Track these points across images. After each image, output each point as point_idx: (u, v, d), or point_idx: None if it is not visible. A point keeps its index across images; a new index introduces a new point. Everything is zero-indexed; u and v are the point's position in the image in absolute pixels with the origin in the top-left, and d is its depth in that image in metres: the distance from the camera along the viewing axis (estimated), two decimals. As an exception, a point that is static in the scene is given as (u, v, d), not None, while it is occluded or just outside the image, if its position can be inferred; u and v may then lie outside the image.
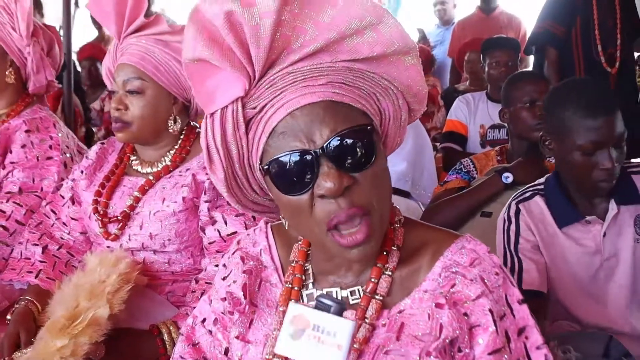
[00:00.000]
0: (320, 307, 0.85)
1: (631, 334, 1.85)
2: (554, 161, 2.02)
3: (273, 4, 0.93)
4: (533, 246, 1.86)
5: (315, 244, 1.07)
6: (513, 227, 1.88)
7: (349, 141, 0.96)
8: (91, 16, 6.48)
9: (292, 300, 1.08)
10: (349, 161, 0.96)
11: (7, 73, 2.29)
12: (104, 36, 6.49)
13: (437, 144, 3.93)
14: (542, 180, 1.95)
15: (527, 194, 1.93)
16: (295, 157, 0.96)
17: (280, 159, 0.97)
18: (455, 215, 2.40)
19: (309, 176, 0.96)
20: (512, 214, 1.90)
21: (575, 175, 1.83)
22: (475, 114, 3.71)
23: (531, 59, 4.35)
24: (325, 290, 1.08)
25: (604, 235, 1.84)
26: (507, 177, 2.36)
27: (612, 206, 1.83)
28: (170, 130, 1.87)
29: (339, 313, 0.84)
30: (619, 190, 1.84)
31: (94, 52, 5.35)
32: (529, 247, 1.85)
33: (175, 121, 1.86)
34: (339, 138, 0.96)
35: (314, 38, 0.97)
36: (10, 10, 2.24)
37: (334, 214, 0.95)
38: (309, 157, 0.95)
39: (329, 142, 0.95)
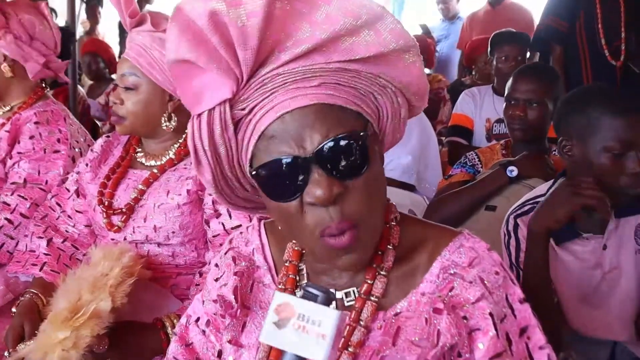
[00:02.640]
0: (307, 296, 0.83)
1: (634, 345, 1.83)
2: (557, 154, 1.97)
3: (260, 1, 0.87)
4: None
5: (306, 249, 1.04)
6: (513, 241, 1.84)
7: (341, 147, 0.92)
8: (86, 10, 6.50)
9: (277, 289, 1.07)
10: (340, 168, 0.92)
11: (1, 68, 2.29)
12: (94, 30, 6.50)
13: (443, 138, 3.91)
14: (543, 189, 1.89)
15: (526, 208, 1.87)
16: (284, 163, 0.92)
17: (268, 164, 0.93)
18: (459, 208, 2.39)
19: (298, 183, 0.92)
20: (510, 228, 1.86)
21: (600, 182, 1.71)
22: (481, 107, 3.69)
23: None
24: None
25: (605, 248, 1.79)
26: (511, 171, 2.34)
27: (612, 219, 1.78)
28: (164, 127, 1.86)
29: (326, 303, 0.82)
30: (619, 202, 1.77)
31: (95, 47, 5.35)
32: None
33: (170, 118, 1.85)
34: (330, 144, 0.91)
35: (306, 38, 0.92)
36: None
37: (326, 223, 0.92)
38: (298, 164, 0.91)
39: (320, 148, 0.91)
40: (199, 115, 0.95)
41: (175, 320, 1.68)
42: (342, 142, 0.92)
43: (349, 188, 0.92)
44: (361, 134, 0.95)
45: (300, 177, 0.92)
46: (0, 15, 2.24)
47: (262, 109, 0.94)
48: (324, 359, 0.80)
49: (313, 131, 0.91)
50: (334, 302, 1.02)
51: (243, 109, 0.95)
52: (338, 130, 0.92)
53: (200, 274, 1.79)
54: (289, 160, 0.92)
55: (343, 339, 0.99)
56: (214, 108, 0.94)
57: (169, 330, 1.67)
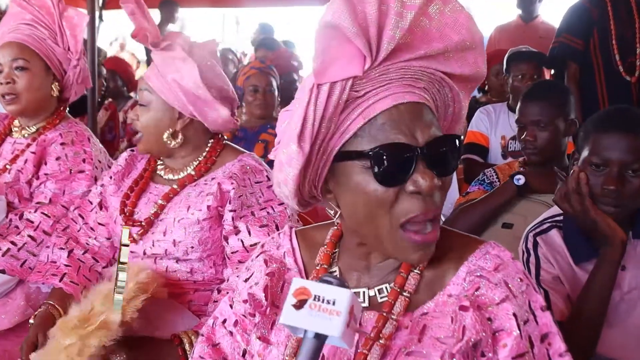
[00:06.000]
0: (322, 281, 0.91)
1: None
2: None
3: (419, 2, 0.98)
4: (554, 277, 1.82)
5: (377, 240, 1.05)
6: (532, 259, 1.84)
7: (449, 145, 1.01)
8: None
9: (296, 277, 1.12)
10: (440, 165, 1.00)
11: (52, 87, 2.34)
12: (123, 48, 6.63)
13: (458, 155, 3.90)
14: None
15: (545, 226, 1.88)
16: (399, 150, 0.98)
17: (384, 147, 0.98)
18: (471, 223, 2.38)
19: (405, 171, 0.98)
20: (530, 246, 1.86)
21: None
22: (496, 125, 3.69)
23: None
24: (352, 290, 1.08)
25: (623, 268, 1.78)
26: (518, 179, 2.35)
27: (630, 240, 1.78)
28: (169, 144, 1.88)
29: (340, 287, 0.89)
30: (638, 222, 1.78)
31: (114, 65, 5.44)
32: (549, 279, 1.81)
33: (174, 136, 1.88)
34: (439, 141, 1.00)
35: (426, 42, 1.01)
36: (47, 24, 2.28)
37: (420, 210, 0.98)
38: (411, 153, 0.97)
39: (431, 142, 0.99)
40: (319, 86, 0.98)
41: (192, 337, 1.69)
42: (448, 142, 1.02)
43: (442, 184, 1.00)
44: (461, 137, 1.06)
45: (409, 166, 0.98)
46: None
47: (377, 95, 0.99)
48: (339, 334, 0.86)
49: (425, 125, 0.99)
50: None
51: (357, 91, 0.99)
52: (439, 129, 1.02)
53: (219, 291, 1.80)
54: (405, 147, 0.98)
55: (375, 330, 1.04)
56: (336, 82, 0.98)
57: (187, 346, 1.68)
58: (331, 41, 0.98)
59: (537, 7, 5.41)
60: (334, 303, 0.87)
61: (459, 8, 1.02)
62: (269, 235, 1.74)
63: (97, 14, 4.62)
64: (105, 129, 4.88)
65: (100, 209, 2.03)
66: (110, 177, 2.02)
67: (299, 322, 0.88)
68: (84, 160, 2.28)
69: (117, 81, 5.30)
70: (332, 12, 0.96)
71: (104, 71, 5.08)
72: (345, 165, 1.02)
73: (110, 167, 2.35)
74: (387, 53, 0.98)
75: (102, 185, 2.05)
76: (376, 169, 0.98)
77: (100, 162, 2.33)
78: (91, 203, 2.06)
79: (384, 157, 0.97)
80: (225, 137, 2.01)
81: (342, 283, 0.90)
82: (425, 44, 1.01)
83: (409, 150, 0.97)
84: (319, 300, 0.88)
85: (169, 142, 1.88)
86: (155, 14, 6.64)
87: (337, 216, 1.09)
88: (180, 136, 1.88)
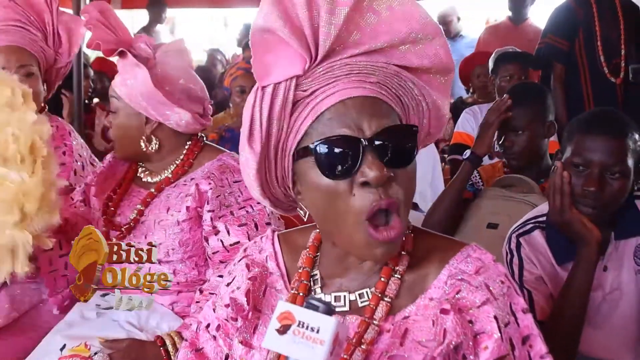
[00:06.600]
0: (308, 306, 0.88)
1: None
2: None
3: None
4: (537, 278, 1.83)
5: (342, 236, 1.05)
6: (516, 260, 1.86)
7: (396, 137, 1.00)
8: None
9: (291, 294, 1.11)
10: (391, 156, 0.99)
11: (43, 87, 2.34)
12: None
13: (445, 156, 3.93)
14: (545, 208, 1.90)
15: (528, 227, 1.90)
16: (344, 141, 0.98)
17: (328, 140, 0.98)
18: (443, 212, 2.45)
19: (351, 163, 0.98)
20: (513, 247, 1.88)
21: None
22: (482, 125, 3.70)
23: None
24: (333, 295, 1.09)
25: (605, 269, 1.81)
26: (465, 154, 2.52)
27: (612, 241, 1.81)
28: (144, 149, 1.87)
29: (326, 313, 0.87)
30: (620, 223, 1.81)
31: (101, 66, 5.40)
32: (532, 279, 1.83)
33: (149, 140, 1.87)
34: (387, 132, 0.99)
35: (374, 38, 1.01)
36: (38, 25, 2.28)
37: (375, 202, 0.97)
38: (356, 145, 0.97)
39: (378, 133, 0.98)
40: (264, 87, 1.00)
41: (176, 338, 1.69)
42: (397, 133, 1.01)
43: (397, 175, 0.99)
44: (414, 128, 1.05)
45: (356, 158, 0.97)
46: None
47: (324, 92, 1.00)
48: None
49: (372, 118, 0.99)
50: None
51: (304, 90, 1.01)
52: (395, 121, 1.02)
53: (201, 291, 1.79)
54: (349, 139, 0.98)
55: (357, 336, 1.03)
56: (280, 83, 0.99)
57: (170, 348, 1.68)
58: (267, 45, 0.99)
59: (528, 10, 5.44)
60: (318, 331, 0.85)
61: (408, 1, 1.03)
62: (248, 234, 1.75)
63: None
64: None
65: (85, 205, 2.03)
66: (94, 177, 2.02)
67: (281, 348, 0.87)
68: (64, 153, 2.29)
69: (104, 82, 5.27)
70: (262, 16, 0.97)
71: (92, 73, 5.05)
72: (301, 164, 1.03)
73: (91, 163, 2.36)
74: (325, 50, 0.98)
75: (85, 185, 2.05)
76: (320, 163, 0.99)
77: (80, 156, 2.34)
78: (72, 199, 2.06)
79: (327, 149, 0.98)
80: (205, 138, 2.00)
81: (328, 309, 0.88)
82: (371, 39, 1.01)
83: (352, 142, 0.98)
84: (303, 326, 0.86)
85: (145, 147, 1.87)
86: (143, 15, 6.64)
87: (306, 216, 1.10)
88: (154, 140, 1.87)
